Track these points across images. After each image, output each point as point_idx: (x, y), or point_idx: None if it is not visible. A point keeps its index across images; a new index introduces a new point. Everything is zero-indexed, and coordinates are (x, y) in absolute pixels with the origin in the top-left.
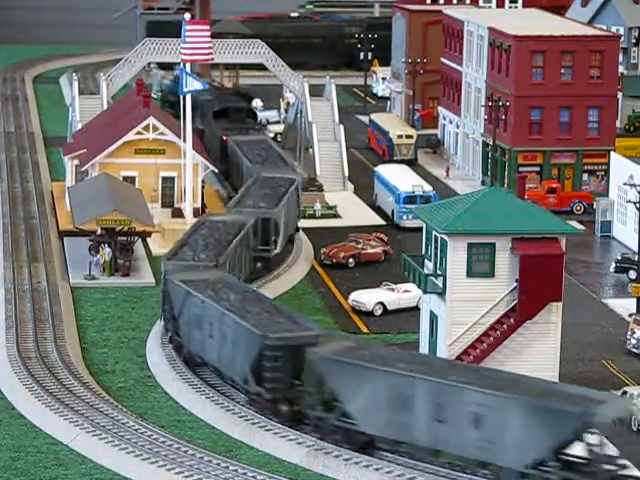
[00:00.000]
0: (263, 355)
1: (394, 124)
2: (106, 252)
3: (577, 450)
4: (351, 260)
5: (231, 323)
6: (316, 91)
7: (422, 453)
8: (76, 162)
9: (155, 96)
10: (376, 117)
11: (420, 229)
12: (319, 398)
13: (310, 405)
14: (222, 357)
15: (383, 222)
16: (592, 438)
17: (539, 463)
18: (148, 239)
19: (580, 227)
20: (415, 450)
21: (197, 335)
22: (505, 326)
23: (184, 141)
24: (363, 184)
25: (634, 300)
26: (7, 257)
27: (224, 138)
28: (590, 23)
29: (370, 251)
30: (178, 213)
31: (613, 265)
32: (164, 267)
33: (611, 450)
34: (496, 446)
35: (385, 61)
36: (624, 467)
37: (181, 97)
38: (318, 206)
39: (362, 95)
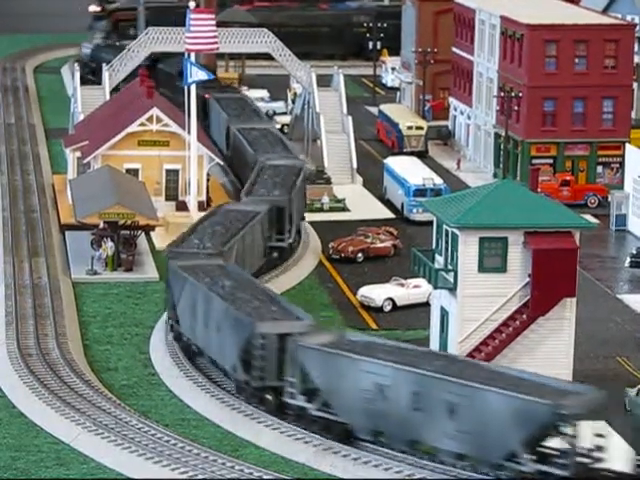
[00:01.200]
0: None
1: (404, 115)
2: (109, 246)
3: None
4: (360, 254)
5: None
6: (324, 81)
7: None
8: (78, 154)
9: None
10: (385, 108)
11: (430, 223)
12: None
13: None
14: None
15: (393, 215)
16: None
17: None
18: (152, 233)
19: (594, 221)
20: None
21: None
22: (517, 322)
23: (189, 133)
24: (372, 177)
25: None
26: (7, 252)
27: (206, 96)
28: (605, 12)
29: (379, 245)
30: (182, 206)
31: (628, 260)
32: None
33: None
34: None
35: (395, 51)
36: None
37: (185, 88)
38: (326, 199)
39: (371, 85)
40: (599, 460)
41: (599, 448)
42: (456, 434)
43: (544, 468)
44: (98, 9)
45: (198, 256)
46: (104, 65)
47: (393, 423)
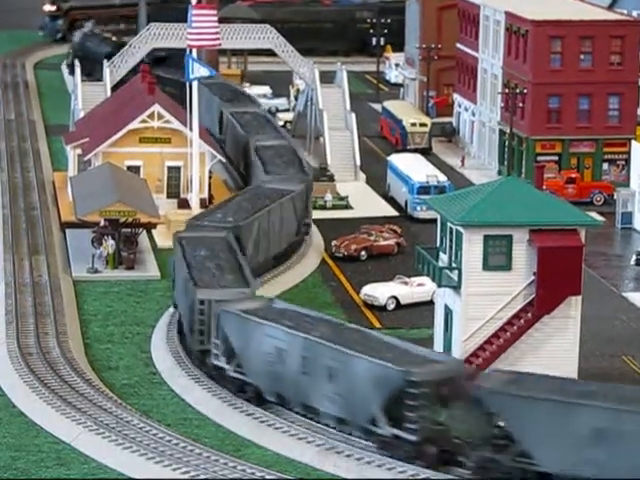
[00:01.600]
0: None
1: (407, 112)
2: (109, 244)
3: None
4: (363, 253)
5: None
6: (327, 78)
7: None
8: (79, 151)
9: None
10: (389, 105)
11: (434, 220)
12: None
13: None
14: None
15: (396, 213)
16: None
17: None
18: (153, 231)
19: (600, 218)
20: None
21: None
22: (522, 321)
23: (190, 129)
24: (375, 174)
25: None
26: (7, 250)
27: None
28: (610, 8)
29: (383, 243)
30: (184, 204)
31: (634, 258)
32: None
33: None
34: None
35: (398, 47)
36: None
37: (187, 84)
38: (329, 197)
39: (374, 82)
40: (450, 427)
41: (453, 416)
42: (334, 397)
43: (397, 432)
44: (53, 8)
45: (205, 228)
46: (88, 54)
47: (288, 386)
